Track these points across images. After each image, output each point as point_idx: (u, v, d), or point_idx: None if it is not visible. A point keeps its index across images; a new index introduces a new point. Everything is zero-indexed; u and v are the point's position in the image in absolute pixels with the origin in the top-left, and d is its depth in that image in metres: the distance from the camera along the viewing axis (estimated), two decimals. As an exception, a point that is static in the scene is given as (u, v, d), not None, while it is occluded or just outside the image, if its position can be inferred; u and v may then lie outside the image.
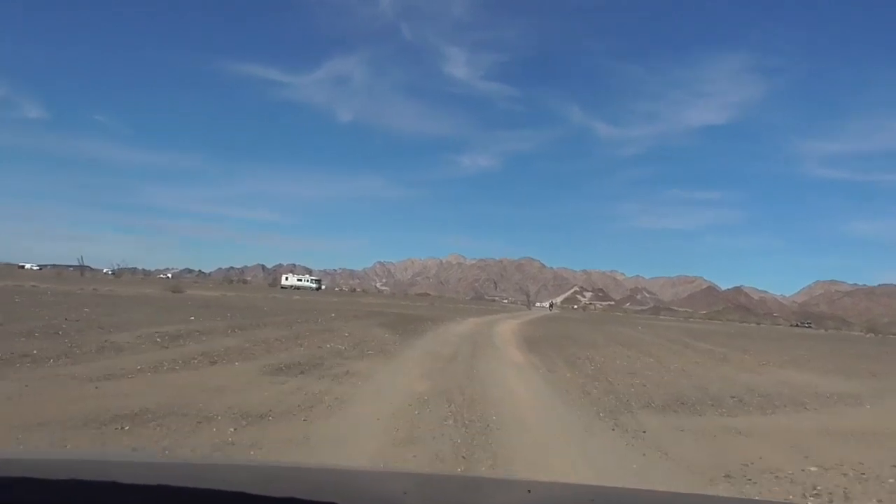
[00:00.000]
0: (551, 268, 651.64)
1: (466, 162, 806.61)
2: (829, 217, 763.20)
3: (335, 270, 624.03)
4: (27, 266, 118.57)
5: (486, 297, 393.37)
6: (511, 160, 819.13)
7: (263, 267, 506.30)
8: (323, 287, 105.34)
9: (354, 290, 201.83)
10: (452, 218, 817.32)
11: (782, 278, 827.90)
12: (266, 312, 20.04)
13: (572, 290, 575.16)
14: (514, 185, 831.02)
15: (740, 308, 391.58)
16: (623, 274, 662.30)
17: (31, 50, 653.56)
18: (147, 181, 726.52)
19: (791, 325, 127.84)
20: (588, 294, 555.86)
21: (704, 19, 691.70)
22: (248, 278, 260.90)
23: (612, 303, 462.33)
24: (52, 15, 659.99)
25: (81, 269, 71.57)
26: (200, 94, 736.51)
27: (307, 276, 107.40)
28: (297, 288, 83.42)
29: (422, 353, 13.24)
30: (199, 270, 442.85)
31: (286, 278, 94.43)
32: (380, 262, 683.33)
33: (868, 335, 77.69)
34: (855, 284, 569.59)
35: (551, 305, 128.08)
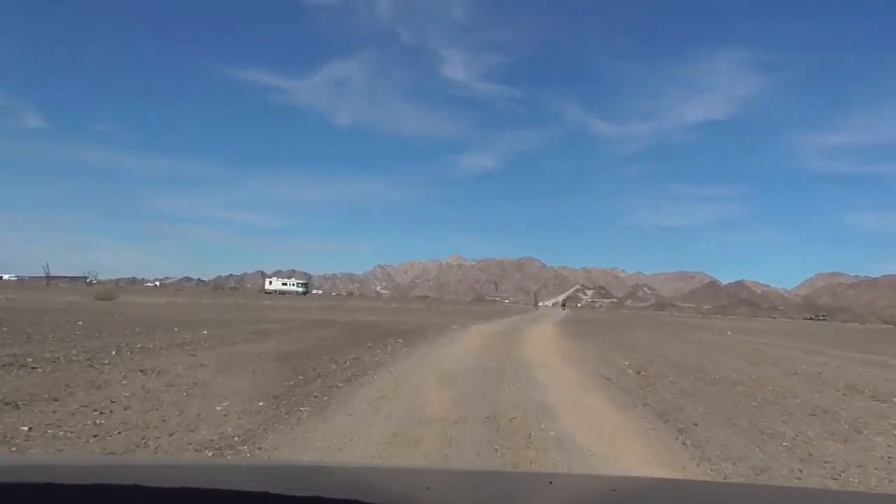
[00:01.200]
0: (552, 267, 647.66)
1: (466, 162, 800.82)
2: (830, 209, 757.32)
3: (335, 275, 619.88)
4: (5, 277, 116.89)
5: (487, 298, 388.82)
6: (511, 160, 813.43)
7: (263, 273, 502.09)
8: (315, 291, 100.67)
9: (351, 293, 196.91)
10: (452, 219, 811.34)
11: (783, 271, 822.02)
12: (76, 331, 12.63)
13: (573, 289, 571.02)
14: (514, 184, 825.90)
15: (744, 302, 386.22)
16: (624, 271, 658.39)
17: (30, 58, 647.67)
18: (148, 187, 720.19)
19: (805, 318, 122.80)
20: (590, 292, 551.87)
21: (702, 15, 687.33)
22: (249, 285, 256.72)
23: (615, 300, 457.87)
24: (51, 23, 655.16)
25: (47, 278, 71.85)
26: (200, 100, 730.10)
27: (293, 279, 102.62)
28: (283, 292, 79.56)
29: None
30: (199, 279, 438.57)
31: (270, 282, 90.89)
32: (380, 266, 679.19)
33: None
34: (857, 276, 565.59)
35: (563, 305, 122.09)
